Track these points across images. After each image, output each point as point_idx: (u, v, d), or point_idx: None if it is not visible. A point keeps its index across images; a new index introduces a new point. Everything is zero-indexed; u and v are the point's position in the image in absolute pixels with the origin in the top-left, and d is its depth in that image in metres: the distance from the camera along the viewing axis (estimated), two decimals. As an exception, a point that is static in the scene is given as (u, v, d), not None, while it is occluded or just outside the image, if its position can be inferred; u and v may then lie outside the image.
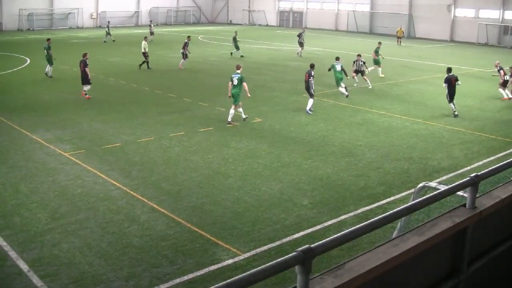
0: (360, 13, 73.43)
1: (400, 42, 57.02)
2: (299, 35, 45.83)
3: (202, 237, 11.33)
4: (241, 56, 42.26)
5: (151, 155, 16.98)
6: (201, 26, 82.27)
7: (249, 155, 17.09)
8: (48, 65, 32.16)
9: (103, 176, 14.91)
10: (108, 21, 61.81)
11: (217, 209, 12.80)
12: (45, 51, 32.23)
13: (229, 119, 21.16)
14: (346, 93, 26.51)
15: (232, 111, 21.22)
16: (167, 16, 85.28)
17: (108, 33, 54.94)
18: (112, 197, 13.43)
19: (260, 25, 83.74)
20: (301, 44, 44.90)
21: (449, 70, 24.05)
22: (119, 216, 12.28)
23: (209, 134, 19.52)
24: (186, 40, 37.63)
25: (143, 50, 35.39)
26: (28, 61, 38.72)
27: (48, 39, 33.25)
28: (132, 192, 13.72)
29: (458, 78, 23.63)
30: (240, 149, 17.79)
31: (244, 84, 21.38)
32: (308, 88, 24.00)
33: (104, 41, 53.70)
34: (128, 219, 12.13)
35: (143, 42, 35.67)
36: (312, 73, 24.01)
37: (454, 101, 23.44)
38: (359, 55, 30.31)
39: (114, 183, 14.38)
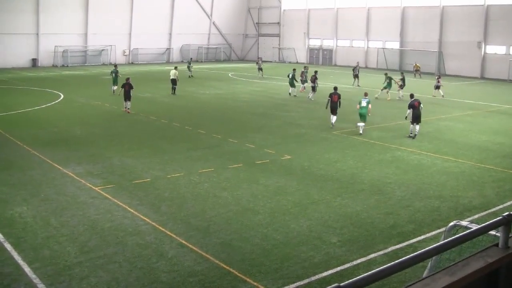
0: (389, 51, 73.62)
1: (420, 75, 61.03)
2: (354, 69, 50.97)
3: (230, 274, 11.29)
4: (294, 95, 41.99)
5: (180, 191, 17.06)
6: (231, 63, 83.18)
7: (278, 192, 17.07)
8: (114, 86, 40.70)
9: (132, 211, 15.00)
10: (191, 58, 67.62)
11: (245, 245, 12.75)
12: (113, 74, 41.47)
13: (361, 132, 26.47)
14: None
15: (361, 124, 26.60)
16: (198, 53, 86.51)
17: (189, 69, 57.89)
18: (141, 232, 13.49)
19: (290, 62, 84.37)
20: (356, 76, 49.70)
21: (411, 96, 27.34)
22: (147, 251, 12.31)
23: (238, 171, 19.57)
24: (302, 70, 45.29)
25: (173, 77, 42.04)
26: (62, 96, 39.48)
27: (116, 65, 44.38)
28: (160, 228, 13.76)
29: (422, 104, 26.75)
30: (269, 186, 17.78)
31: (370, 106, 26.95)
32: (336, 108, 28.04)
33: (190, 76, 56.44)
34: (156, 254, 12.15)
35: (174, 71, 42.40)
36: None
37: (418, 126, 26.15)
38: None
39: (143, 218, 14.45)
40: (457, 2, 65.94)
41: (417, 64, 63.66)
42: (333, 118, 28.31)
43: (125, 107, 32.58)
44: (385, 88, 41.05)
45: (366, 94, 28.10)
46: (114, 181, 17.94)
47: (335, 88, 29.43)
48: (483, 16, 63.54)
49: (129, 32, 78.52)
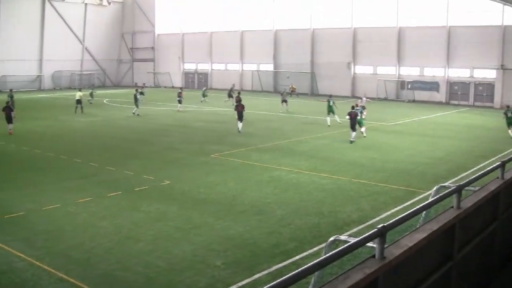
0: (264, 73, 75.28)
1: (297, 95, 66.39)
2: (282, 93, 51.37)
3: (114, 306, 10.93)
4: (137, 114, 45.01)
5: (57, 223, 16.36)
6: (106, 89, 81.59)
7: (159, 218, 16.82)
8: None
9: (5, 247, 14.16)
10: (93, 84, 69.66)
11: (128, 275, 12.42)
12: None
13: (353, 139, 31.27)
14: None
15: (354, 133, 31.45)
16: (71, 80, 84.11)
17: (91, 95, 58.06)
18: (16, 269, 12.76)
19: (165, 87, 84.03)
20: (284, 101, 49.92)
21: (352, 107, 32.93)
22: (24, 289, 11.68)
23: (118, 199, 19.10)
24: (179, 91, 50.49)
25: (78, 98, 47.03)
26: None
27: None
28: (37, 263, 13.09)
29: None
30: (150, 212, 17.49)
31: (364, 113, 34.84)
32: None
33: (90, 102, 55.64)
34: (33, 291, 11.55)
35: (79, 93, 48.05)
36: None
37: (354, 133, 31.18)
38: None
39: (18, 254, 13.68)
40: (327, 25, 68.86)
41: (293, 86, 67.29)
42: (240, 124, 35.28)
43: (9, 129, 34.54)
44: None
45: (356, 105, 34.53)
46: (-16, 217, 16.92)
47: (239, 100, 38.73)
48: (351, 38, 66.75)
49: (-5, 58, 74.88)
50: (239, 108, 36.16)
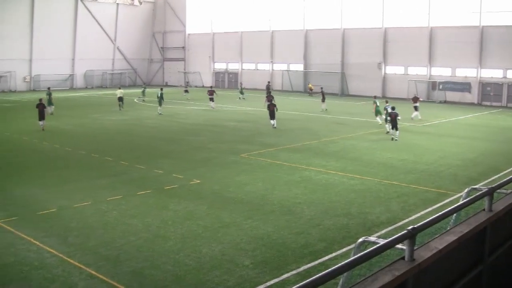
0: (294, 73, 75.20)
1: (312, 94, 67.54)
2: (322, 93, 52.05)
3: (143, 303, 11.03)
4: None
5: (88, 220, 16.58)
6: (136, 88, 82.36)
7: (188, 217, 16.92)
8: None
9: (38, 243, 14.41)
10: (144, 83, 73.46)
11: (157, 273, 12.52)
12: (48, 96, 45.66)
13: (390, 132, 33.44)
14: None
15: (397, 132, 32.40)
16: (103, 79, 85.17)
17: (143, 94, 61.12)
18: (48, 265, 12.96)
19: (196, 86, 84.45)
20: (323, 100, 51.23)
21: (393, 108, 33.24)
22: (55, 285, 11.84)
23: (147, 197, 19.26)
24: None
25: (120, 95, 49.27)
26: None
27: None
28: (68, 259, 13.28)
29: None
30: (179, 211, 17.60)
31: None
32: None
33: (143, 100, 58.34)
34: (64, 287, 11.71)
35: (120, 90, 50.41)
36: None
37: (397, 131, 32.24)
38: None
39: (50, 250, 13.91)
40: (357, 25, 68.48)
41: (311, 85, 70.58)
42: (273, 121, 37.29)
43: (42, 126, 35.86)
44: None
45: (386, 102, 37.49)
46: (17, 213, 17.19)
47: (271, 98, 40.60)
48: (382, 38, 66.26)
49: (30, 57, 76.08)
50: (271, 107, 37.53)
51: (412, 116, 42.08)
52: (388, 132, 34.45)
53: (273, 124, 37.16)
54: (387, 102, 38.93)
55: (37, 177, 22.38)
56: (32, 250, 13.92)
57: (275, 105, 37.59)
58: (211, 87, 59.43)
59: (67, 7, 79.20)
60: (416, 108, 42.55)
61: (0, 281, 12.01)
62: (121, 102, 49.57)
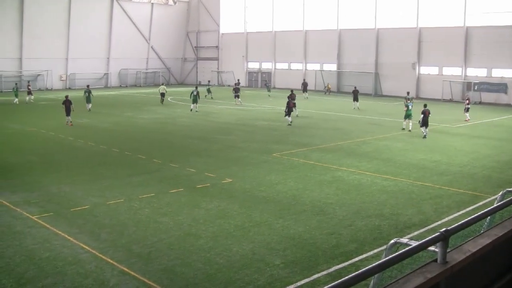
0: (327, 72, 74.94)
1: (329, 93, 70.68)
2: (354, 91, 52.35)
3: (173, 300, 11.10)
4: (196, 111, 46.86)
5: (120, 217, 16.75)
6: (170, 87, 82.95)
7: (219, 216, 16.98)
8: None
9: (72, 239, 14.62)
10: (209, 81, 73.19)
11: (188, 271, 12.60)
12: (86, 94, 47.60)
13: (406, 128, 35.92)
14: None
15: (408, 123, 35.43)
16: (137, 78, 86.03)
17: (209, 91, 62.76)
18: (81, 260, 13.14)
19: (229, 85, 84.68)
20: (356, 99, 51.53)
21: (425, 105, 34.20)
22: (88, 280, 11.99)
23: (179, 195, 19.39)
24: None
25: (163, 91, 54.85)
26: (-4, 124, 38.45)
27: (88, 85, 51.84)
28: (101, 256, 13.45)
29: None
30: (210, 209, 17.67)
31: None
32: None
33: (211, 98, 61.17)
34: (97, 283, 11.85)
35: (162, 86, 56.23)
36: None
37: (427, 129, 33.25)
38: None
39: (83, 246, 14.10)
40: (391, 25, 67.91)
41: (329, 85, 72.79)
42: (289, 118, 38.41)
43: (68, 121, 37.91)
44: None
45: (408, 93, 40.50)
46: (52, 209, 17.47)
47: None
48: (416, 38, 65.59)
49: (66, 56, 77.28)
50: (291, 105, 39.08)
51: (468, 117, 42.62)
52: (403, 129, 36.16)
53: (290, 121, 38.45)
54: (408, 93, 42.13)
55: (72, 175, 22.69)
56: (66, 246, 14.13)
57: (295, 104, 40.47)
58: (236, 84, 60.65)
59: (103, 6, 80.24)
60: (466, 110, 43.04)
61: (36, 276, 12.22)
62: (162, 98, 54.64)
